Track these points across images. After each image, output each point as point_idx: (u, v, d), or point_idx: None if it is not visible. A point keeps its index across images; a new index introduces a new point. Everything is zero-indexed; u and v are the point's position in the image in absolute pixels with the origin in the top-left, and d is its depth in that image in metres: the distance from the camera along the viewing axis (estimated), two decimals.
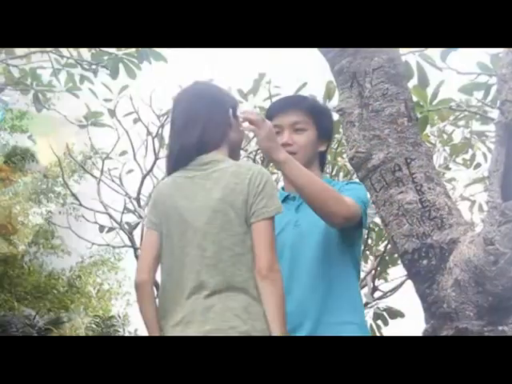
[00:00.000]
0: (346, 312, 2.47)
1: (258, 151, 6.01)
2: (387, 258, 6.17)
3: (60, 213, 16.37)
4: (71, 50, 5.32)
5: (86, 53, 5.37)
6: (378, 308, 5.87)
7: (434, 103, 3.89)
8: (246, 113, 2.35)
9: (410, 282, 2.48)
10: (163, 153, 6.86)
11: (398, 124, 2.43)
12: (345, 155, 5.12)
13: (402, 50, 2.83)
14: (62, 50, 5.30)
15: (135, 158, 7.35)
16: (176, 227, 2.16)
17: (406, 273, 2.52)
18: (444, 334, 2.23)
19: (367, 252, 6.41)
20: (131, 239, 7.12)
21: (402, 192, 2.38)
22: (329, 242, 2.50)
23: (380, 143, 2.42)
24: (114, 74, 5.25)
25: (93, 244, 7.92)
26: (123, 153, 7.43)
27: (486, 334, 2.15)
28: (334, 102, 5.21)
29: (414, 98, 3.07)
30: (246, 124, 2.33)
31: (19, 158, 15.71)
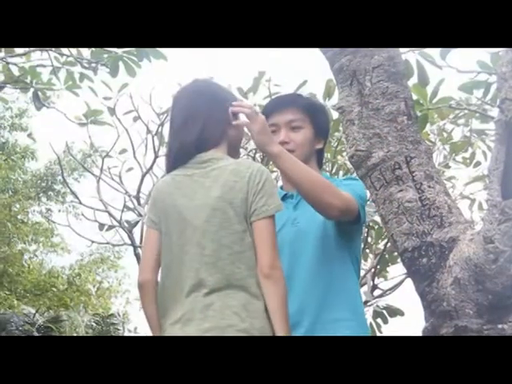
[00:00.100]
0: (344, 309, 2.47)
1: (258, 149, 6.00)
2: (387, 256, 6.16)
3: (60, 211, 16.41)
4: (71, 48, 5.31)
5: (85, 51, 5.37)
6: (377, 306, 5.87)
7: (433, 101, 3.89)
8: (239, 105, 2.32)
9: (409, 280, 2.48)
10: (163, 151, 6.85)
11: (397, 122, 2.43)
12: (345, 153, 5.12)
13: (402, 49, 2.83)
14: (61, 48, 5.29)
15: (135, 156, 7.34)
16: (175, 225, 2.16)
17: (405, 271, 2.53)
18: (444, 332, 2.24)
19: (367, 250, 6.41)
20: (131, 237, 7.11)
21: (401, 190, 2.38)
22: (327, 239, 2.50)
23: (380, 141, 2.43)
24: (114, 72, 5.25)
25: (92, 242, 7.90)
26: (123, 151, 7.42)
27: (486, 333, 2.15)
28: (333, 101, 5.22)
29: (414, 97, 3.07)
30: (240, 117, 2.31)
31: (19, 157, 15.69)
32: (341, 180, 2.69)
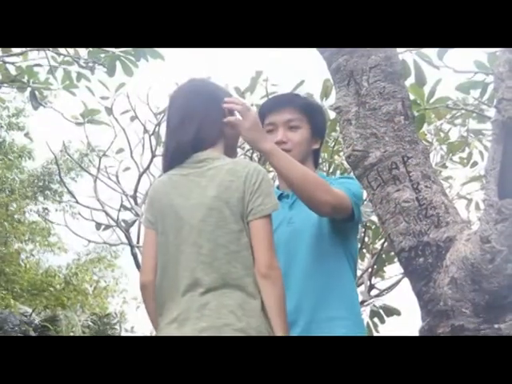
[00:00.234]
0: (340, 307, 2.47)
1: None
2: (384, 255, 6.16)
3: (56, 210, 16.39)
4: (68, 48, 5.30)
5: (82, 50, 5.36)
6: (374, 306, 5.87)
7: (430, 101, 3.89)
8: (230, 101, 2.30)
9: (406, 280, 2.48)
10: (160, 151, 6.85)
11: (394, 122, 2.43)
12: (342, 153, 5.12)
13: (399, 49, 2.83)
14: (58, 48, 5.28)
15: (132, 156, 7.34)
16: (171, 225, 2.16)
17: (402, 271, 2.53)
18: (440, 331, 2.24)
19: (364, 250, 6.41)
20: (128, 237, 7.11)
21: (398, 190, 2.38)
22: (322, 238, 2.51)
23: (377, 141, 2.43)
24: (111, 72, 5.24)
25: (89, 241, 7.91)
26: (120, 150, 7.41)
27: (482, 332, 2.15)
28: (330, 100, 5.22)
29: (411, 96, 3.07)
30: (236, 114, 2.30)
31: (16, 156, 15.67)
32: (336, 178, 2.70)
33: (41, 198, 16.50)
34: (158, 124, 6.98)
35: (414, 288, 2.36)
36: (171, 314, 2.12)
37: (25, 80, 5.45)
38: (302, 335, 2.39)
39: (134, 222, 7.03)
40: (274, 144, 2.44)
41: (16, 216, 15.91)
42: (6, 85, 5.75)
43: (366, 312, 5.83)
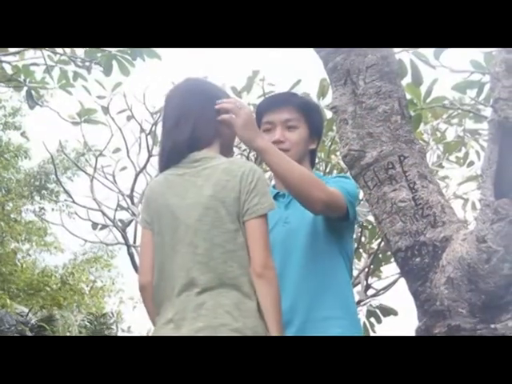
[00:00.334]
0: (335, 307, 2.47)
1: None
2: (380, 255, 6.17)
3: (53, 210, 16.37)
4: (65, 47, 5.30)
5: (79, 50, 5.36)
6: (371, 306, 5.88)
7: (427, 101, 3.90)
8: (222, 102, 2.29)
9: (403, 280, 2.48)
10: (156, 150, 6.84)
11: (391, 122, 2.43)
12: (338, 153, 5.12)
13: (396, 48, 2.84)
14: (55, 47, 5.28)
15: (128, 156, 7.34)
16: (168, 224, 2.16)
17: (399, 270, 2.53)
18: (437, 331, 2.24)
19: (360, 250, 6.41)
20: (124, 236, 7.11)
21: (395, 190, 2.38)
22: (318, 238, 2.50)
23: (373, 141, 2.43)
24: (108, 71, 5.24)
25: (86, 241, 7.90)
26: (116, 150, 7.41)
27: (479, 332, 2.15)
28: (327, 100, 5.22)
29: (408, 96, 3.08)
30: (222, 115, 2.27)
31: (12, 155, 15.65)
32: (331, 177, 2.70)
33: (37, 198, 16.49)
34: (155, 123, 6.98)
35: (411, 288, 2.36)
36: (167, 313, 2.11)
37: (21, 79, 5.45)
38: (298, 335, 2.39)
39: (131, 221, 7.03)
40: (268, 141, 2.43)
41: (12, 215, 15.89)
42: (2, 84, 5.74)
43: (362, 312, 5.84)
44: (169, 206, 2.17)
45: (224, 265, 2.08)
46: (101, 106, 6.79)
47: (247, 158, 6.13)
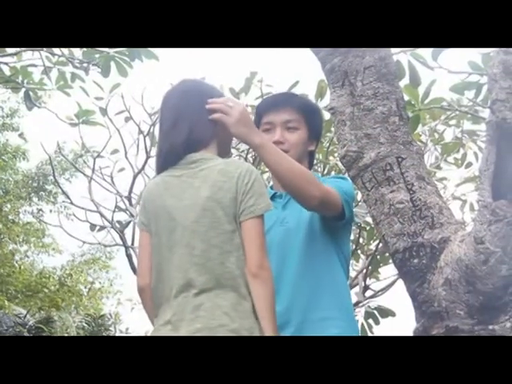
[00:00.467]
0: (332, 308, 2.47)
1: (250, 150, 6.01)
2: (378, 257, 6.17)
3: (51, 211, 16.37)
4: (62, 48, 5.29)
5: (77, 51, 5.35)
6: (369, 307, 5.87)
7: (425, 102, 3.90)
8: (211, 102, 2.27)
9: (401, 281, 2.48)
10: (154, 151, 6.83)
11: (389, 123, 2.43)
12: (336, 154, 5.12)
13: (394, 49, 2.84)
14: (53, 48, 5.27)
15: (126, 157, 7.32)
16: (165, 226, 2.16)
17: (397, 272, 2.53)
18: (435, 332, 2.24)
19: (358, 251, 6.42)
20: (122, 238, 7.10)
21: (393, 191, 2.38)
22: (315, 239, 2.50)
23: (371, 142, 2.43)
24: (106, 73, 5.23)
25: (84, 242, 7.89)
26: (114, 151, 7.40)
27: (477, 333, 2.15)
28: (325, 101, 5.22)
29: (406, 97, 3.08)
30: (213, 115, 2.26)
31: (10, 157, 15.64)
32: (328, 178, 2.69)
33: (35, 199, 16.48)
34: (153, 124, 6.97)
35: (409, 289, 2.36)
36: (166, 315, 2.11)
37: (19, 80, 5.44)
38: (295, 335, 2.39)
39: (129, 223, 7.02)
40: (264, 137, 2.41)
41: (10, 217, 15.89)
42: (0, 85, 5.74)
43: (360, 313, 5.84)
44: (166, 207, 2.17)
45: (221, 266, 2.08)
46: (99, 107, 6.78)
47: (245, 159, 6.13)
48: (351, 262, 6.23)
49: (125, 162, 7.38)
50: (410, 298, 2.37)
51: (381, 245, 5.74)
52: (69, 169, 15.65)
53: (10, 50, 5.36)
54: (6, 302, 13.88)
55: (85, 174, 7.93)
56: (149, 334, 2.25)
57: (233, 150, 5.94)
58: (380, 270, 6.51)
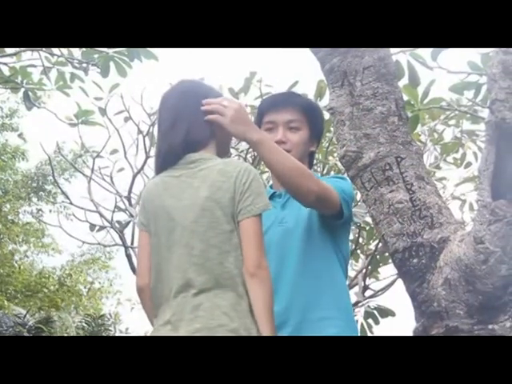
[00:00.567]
0: (331, 307, 2.47)
1: (249, 150, 6.01)
2: (378, 256, 6.17)
3: (50, 211, 16.37)
4: (62, 48, 5.29)
5: (76, 51, 5.35)
6: (368, 307, 5.88)
7: (424, 102, 3.90)
8: (207, 103, 2.26)
9: (400, 281, 2.48)
10: (154, 151, 6.83)
11: (388, 123, 2.43)
12: (336, 154, 5.12)
13: (393, 49, 2.83)
14: (52, 48, 5.27)
15: (126, 157, 7.32)
16: (164, 226, 2.16)
17: (396, 272, 2.53)
18: (434, 332, 2.24)
19: (358, 251, 6.42)
20: (122, 238, 7.09)
21: (392, 191, 2.38)
22: (314, 238, 2.50)
23: (370, 142, 2.43)
24: (105, 73, 5.23)
25: (83, 242, 7.89)
26: (114, 151, 7.40)
27: (476, 333, 2.15)
28: (324, 101, 5.22)
29: (405, 97, 3.08)
30: (208, 116, 2.25)
31: (9, 157, 15.64)
32: (327, 177, 2.69)
33: (35, 199, 16.47)
34: (152, 125, 6.97)
35: (408, 289, 2.36)
36: (165, 315, 2.12)
37: (18, 81, 5.44)
38: (294, 335, 2.39)
39: (128, 223, 7.01)
40: (261, 133, 2.39)
41: (10, 217, 15.88)
42: None
43: (360, 313, 5.84)
44: (165, 207, 2.17)
45: (220, 266, 2.08)
46: (98, 107, 6.78)
47: (245, 159, 6.13)
48: (351, 261, 6.24)
49: (124, 162, 7.38)
50: (409, 298, 2.38)
51: (380, 245, 5.74)
52: (68, 169, 15.65)
53: (9, 50, 5.36)
54: (6, 302, 13.89)
55: (84, 174, 7.93)
56: (148, 334, 2.25)
57: (232, 150, 5.94)
58: (379, 269, 6.51)
